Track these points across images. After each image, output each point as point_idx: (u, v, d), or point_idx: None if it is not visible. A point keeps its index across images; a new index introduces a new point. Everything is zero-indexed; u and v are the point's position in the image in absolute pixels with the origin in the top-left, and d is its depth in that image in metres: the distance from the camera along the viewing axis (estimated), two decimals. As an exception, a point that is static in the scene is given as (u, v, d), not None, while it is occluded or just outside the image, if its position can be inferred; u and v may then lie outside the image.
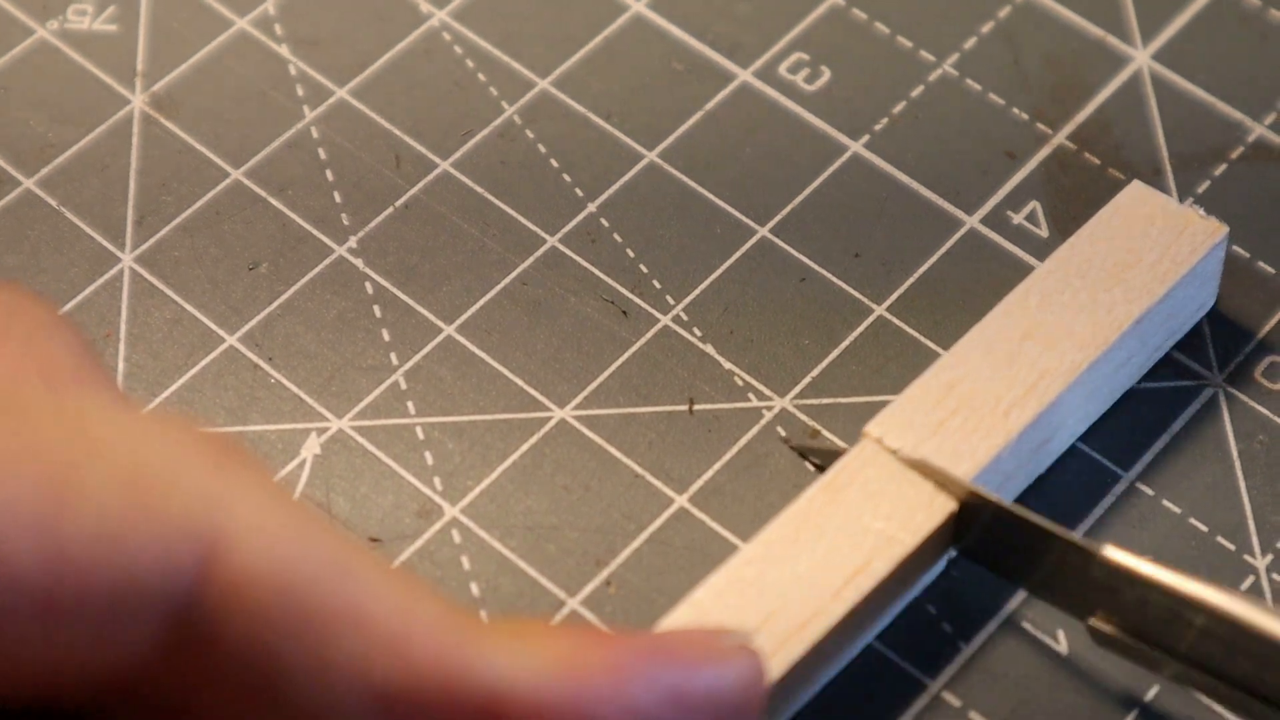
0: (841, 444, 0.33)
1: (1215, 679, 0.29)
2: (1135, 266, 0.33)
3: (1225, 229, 0.33)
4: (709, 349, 0.35)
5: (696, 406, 0.34)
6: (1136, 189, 0.34)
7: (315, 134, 0.38)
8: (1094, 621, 0.30)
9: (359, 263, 0.36)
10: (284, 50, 0.39)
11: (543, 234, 0.36)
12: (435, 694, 0.22)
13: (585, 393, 0.34)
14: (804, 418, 0.34)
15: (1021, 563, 0.30)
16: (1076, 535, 0.30)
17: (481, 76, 0.38)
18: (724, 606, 0.29)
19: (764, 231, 0.36)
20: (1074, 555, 0.30)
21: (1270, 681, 0.28)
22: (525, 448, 0.34)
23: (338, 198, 0.37)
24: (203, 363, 0.35)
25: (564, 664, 0.23)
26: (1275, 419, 0.34)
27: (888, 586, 0.30)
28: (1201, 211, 0.34)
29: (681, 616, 0.29)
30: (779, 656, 0.29)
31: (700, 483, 0.33)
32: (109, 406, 0.22)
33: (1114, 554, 0.29)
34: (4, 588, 0.20)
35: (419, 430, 0.34)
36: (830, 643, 0.30)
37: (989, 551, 0.31)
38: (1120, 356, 0.33)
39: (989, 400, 0.32)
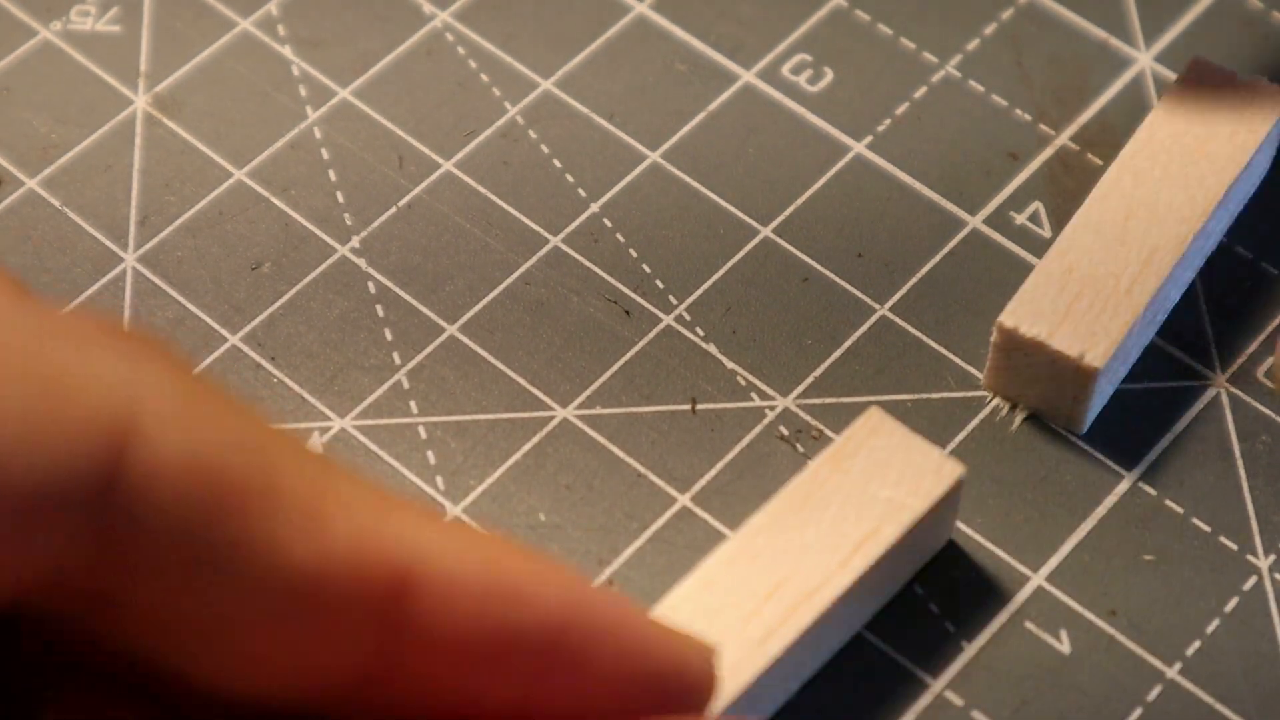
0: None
1: None
2: (1214, 139, 0.35)
3: None
4: (711, 349, 0.35)
5: (699, 406, 0.34)
6: (1199, 66, 0.36)
7: (318, 134, 0.38)
8: None
9: (361, 262, 0.36)
10: (287, 51, 0.39)
11: (545, 234, 0.36)
12: (349, 569, 0.22)
13: (588, 392, 0.34)
14: (806, 417, 0.34)
15: None
16: None
17: (484, 77, 0.38)
18: (732, 576, 0.29)
19: (766, 232, 0.36)
20: None
21: None
22: (528, 447, 0.34)
23: (340, 198, 0.37)
24: (205, 362, 0.35)
25: (482, 552, 0.23)
26: (1278, 419, 0.34)
27: (896, 554, 0.30)
28: (1265, 80, 0.35)
29: (689, 588, 0.29)
30: (788, 625, 0.29)
31: (703, 482, 0.33)
32: (9, 305, 0.22)
33: None
34: None
35: (421, 430, 0.34)
36: (839, 611, 0.30)
37: None
38: (1212, 226, 0.35)
39: (1109, 280, 0.33)
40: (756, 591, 0.29)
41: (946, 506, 0.31)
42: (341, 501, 0.22)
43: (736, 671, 0.29)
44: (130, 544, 0.21)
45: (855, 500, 0.30)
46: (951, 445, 0.34)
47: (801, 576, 0.30)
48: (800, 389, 0.34)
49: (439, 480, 0.33)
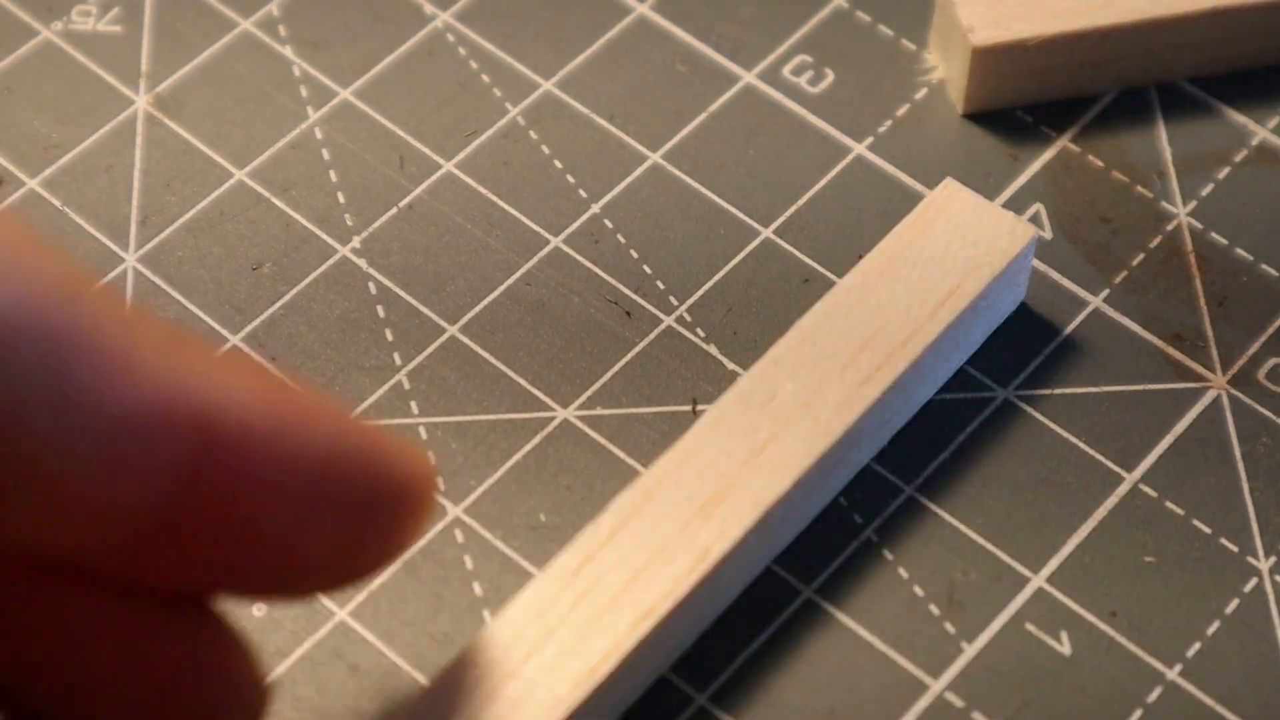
0: None
1: None
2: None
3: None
4: (712, 349, 0.35)
5: (700, 407, 0.34)
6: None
7: (319, 135, 0.38)
8: None
9: (362, 263, 0.36)
10: (288, 51, 0.39)
11: (546, 235, 0.36)
12: (159, 415, 0.23)
13: (588, 393, 0.34)
14: (807, 419, 0.34)
15: None
16: None
17: (485, 78, 0.38)
18: (830, 330, 0.32)
19: (767, 233, 0.36)
20: None
21: None
22: (528, 448, 0.34)
23: (341, 198, 0.37)
24: (206, 362, 0.35)
25: (269, 393, 0.24)
26: (1279, 421, 0.34)
27: (976, 310, 0.33)
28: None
29: (791, 340, 0.32)
30: (883, 372, 0.32)
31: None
32: None
33: None
34: None
35: (422, 430, 0.34)
36: (927, 361, 0.33)
37: None
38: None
39: None
40: (853, 342, 0.32)
41: (1018, 266, 0.34)
42: (148, 343, 0.23)
43: (841, 410, 0.32)
44: None
45: (938, 260, 0.33)
46: (955, 443, 0.34)
47: (894, 327, 0.32)
48: (801, 390, 0.34)
49: (439, 480, 0.33)
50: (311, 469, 0.25)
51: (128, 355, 0.23)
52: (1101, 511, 0.33)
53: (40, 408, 0.22)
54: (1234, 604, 0.32)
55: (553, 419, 0.34)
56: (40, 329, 0.22)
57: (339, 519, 0.25)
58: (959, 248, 0.33)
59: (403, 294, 0.36)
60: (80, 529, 0.23)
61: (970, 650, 0.32)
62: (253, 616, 0.32)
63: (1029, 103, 0.38)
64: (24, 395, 0.22)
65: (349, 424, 0.25)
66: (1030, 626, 0.32)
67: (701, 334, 0.35)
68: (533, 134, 0.38)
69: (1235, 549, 0.33)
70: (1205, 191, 0.37)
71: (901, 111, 0.38)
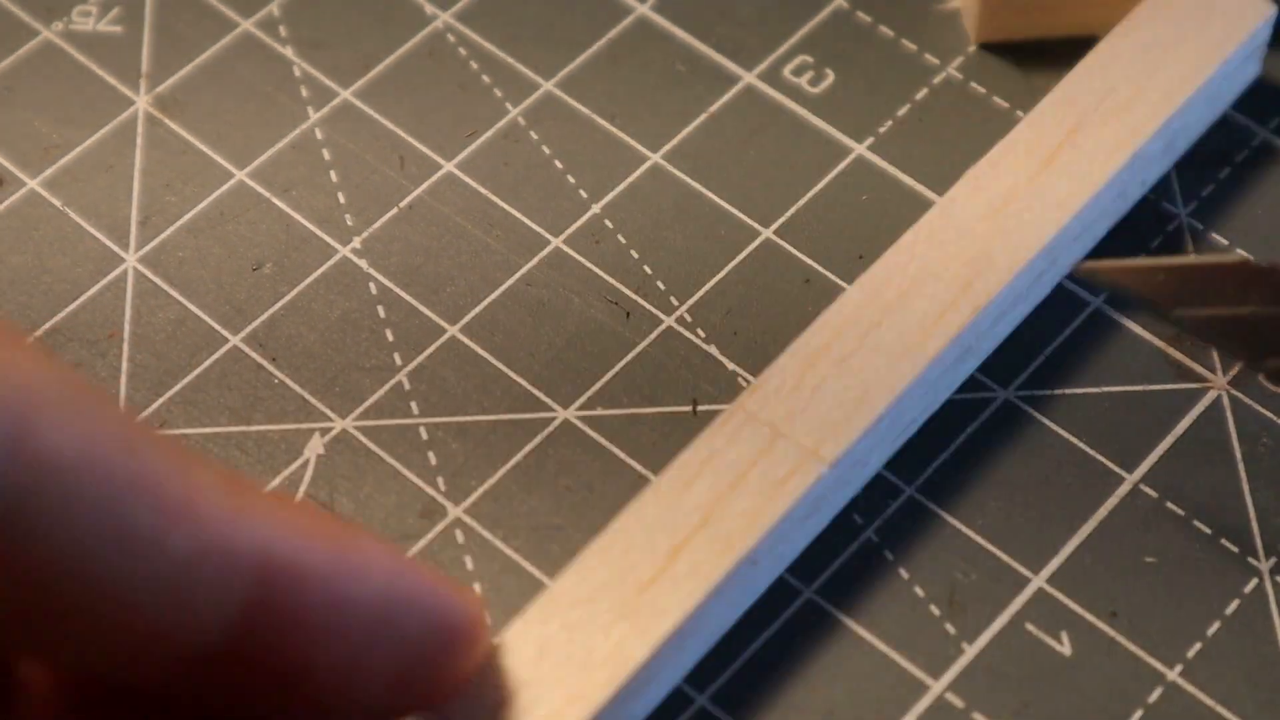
0: None
1: None
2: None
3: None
4: (712, 350, 0.35)
5: (700, 408, 0.34)
6: None
7: (319, 135, 0.38)
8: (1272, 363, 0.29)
9: (363, 263, 0.36)
10: (288, 52, 0.39)
11: (546, 235, 0.36)
12: (221, 557, 0.24)
13: (589, 393, 0.34)
14: (807, 419, 0.34)
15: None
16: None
17: (485, 78, 0.38)
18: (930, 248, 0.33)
19: (768, 233, 0.36)
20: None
21: None
22: (529, 448, 0.34)
23: (341, 198, 0.37)
24: (206, 363, 0.35)
25: (326, 538, 0.25)
26: (1279, 421, 0.34)
27: (1206, 93, 0.35)
28: None
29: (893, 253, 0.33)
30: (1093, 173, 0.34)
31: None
32: None
33: None
34: None
35: (422, 431, 0.34)
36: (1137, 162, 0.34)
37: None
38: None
39: None
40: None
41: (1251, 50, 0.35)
42: (207, 488, 0.24)
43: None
44: (15, 536, 0.22)
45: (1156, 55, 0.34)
46: (959, 440, 0.34)
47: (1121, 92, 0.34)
48: (801, 390, 0.34)
49: (440, 481, 0.33)
50: (366, 609, 0.25)
51: (188, 499, 0.23)
52: (1102, 512, 0.33)
53: (102, 550, 0.23)
54: (1234, 604, 0.32)
55: (553, 419, 0.34)
56: (102, 474, 0.22)
57: (393, 657, 0.26)
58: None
59: (403, 294, 0.36)
60: (143, 661, 0.24)
61: (971, 651, 0.32)
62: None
63: (1039, 35, 0.38)
64: (86, 538, 0.22)
65: (403, 564, 0.26)
66: (1031, 627, 0.32)
67: (702, 334, 0.35)
68: (533, 134, 0.38)
69: (1236, 549, 0.33)
70: (1205, 192, 0.37)
71: (902, 112, 0.38)
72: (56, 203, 0.37)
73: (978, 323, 0.33)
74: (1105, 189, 0.34)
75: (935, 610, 0.32)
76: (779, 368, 0.32)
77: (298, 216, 0.37)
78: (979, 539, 0.33)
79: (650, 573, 0.30)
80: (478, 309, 0.35)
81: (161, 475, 0.23)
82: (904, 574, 0.32)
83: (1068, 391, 0.34)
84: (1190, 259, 0.30)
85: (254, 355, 0.35)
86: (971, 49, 0.39)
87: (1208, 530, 0.33)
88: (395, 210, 0.37)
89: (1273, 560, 0.33)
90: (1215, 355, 0.35)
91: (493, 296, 0.36)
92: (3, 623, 0.24)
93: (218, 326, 0.35)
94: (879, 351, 0.32)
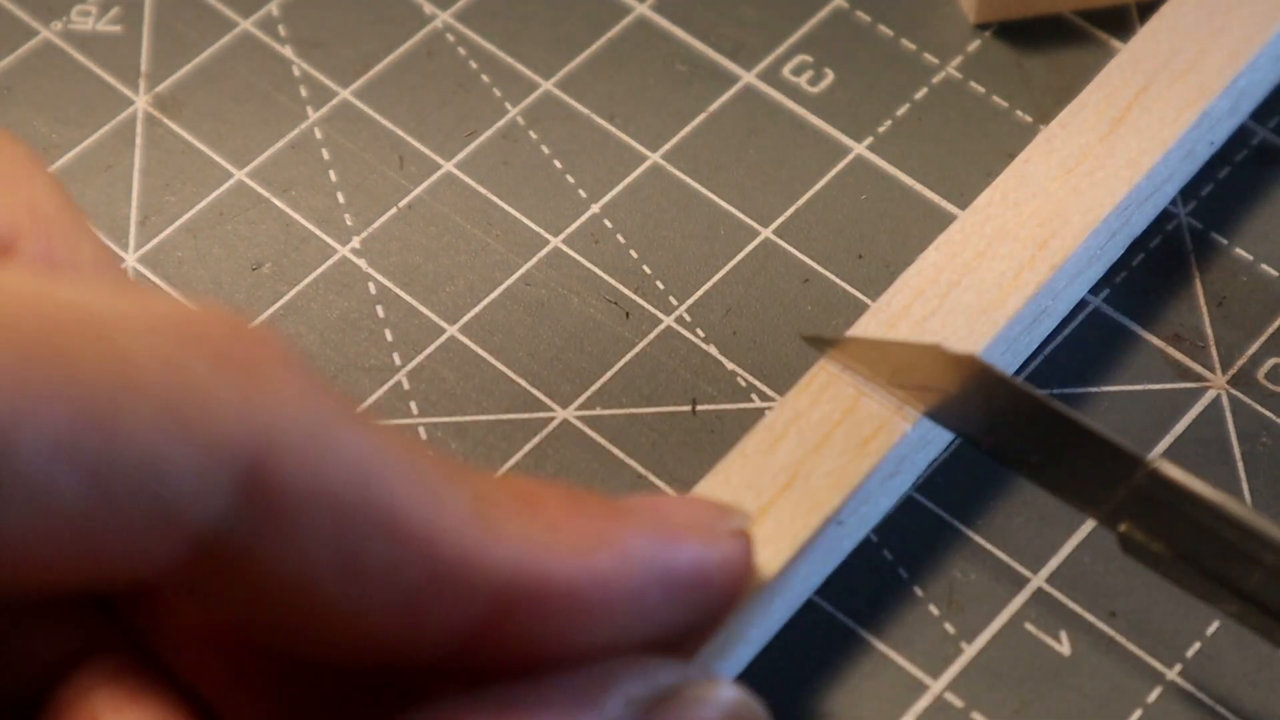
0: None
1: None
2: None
3: None
4: (712, 350, 0.35)
5: (699, 407, 0.34)
6: None
7: (319, 135, 0.38)
8: (1125, 529, 0.29)
9: (362, 263, 0.36)
10: (288, 51, 0.39)
11: (546, 235, 0.36)
12: (458, 589, 0.23)
13: (588, 393, 0.34)
14: (807, 419, 0.34)
15: (1041, 456, 0.30)
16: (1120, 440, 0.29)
17: (485, 78, 0.38)
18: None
19: (767, 233, 0.36)
20: (1117, 461, 0.29)
21: None
22: (528, 448, 0.34)
23: (341, 198, 0.37)
24: (206, 363, 0.35)
25: (572, 549, 0.24)
26: (1279, 421, 0.34)
27: None
28: None
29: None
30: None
31: (703, 483, 0.33)
32: (131, 305, 0.22)
33: (1170, 469, 0.28)
34: (47, 514, 0.21)
35: (422, 431, 0.34)
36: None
37: (1000, 435, 0.31)
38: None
39: None
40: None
41: None
42: (451, 518, 0.23)
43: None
44: (246, 562, 0.22)
45: None
46: (955, 443, 0.34)
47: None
48: (800, 390, 0.34)
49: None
50: (616, 609, 0.25)
51: (427, 532, 0.23)
52: (1101, 512, 0.33)
53: (335, 580, 0.22)
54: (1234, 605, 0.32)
55: (552, 419, 0.34)
56: (336, 508, 0.22)
57: (648, 633, 0.25)
58: None
59: (402, 294, 0.36)
60: (381, 653, 0.24)
61: (970, 650, 0.32)
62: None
63: (1039, 13, 0.38)
64: (318, 569, 0.22)
65: (663, 546, 0.25)
66: (1030, 626, 0.32)
67: (701, 334, 0.35)
68: (532, 134, 0.38)
69: (1235, 549, 0.33)
70: (1205, 191, 0.37)
71: (901, 111, 0.38)
72: (56, 202, 0.37)
73: (1054, 282, 0.33)
74: (1174, 148, 0.34)
75: (934, 609, 0.32)
76: (861, 328, 0.32)
77: (297, 216, 0.37)
78: (978, 538, 0.33)
79: None
80: (477, 309, 0.35)
81: (400, 506, 0.23)
82: (903, 573, 0.32)
83: (1067, 391, 0.34)
84: (900, 341, 0.31)
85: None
86: (971, 48, 0.39)
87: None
88: (394, 210, 0.37)
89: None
90: (1215, 355, 0.35)
91: (492, 296, 0.36)
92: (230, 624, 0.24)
93: (217, 326, 0.35)
94: (958, 311, 0.32)
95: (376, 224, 0.37)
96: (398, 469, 0.23)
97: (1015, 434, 0.30)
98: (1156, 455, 0.28)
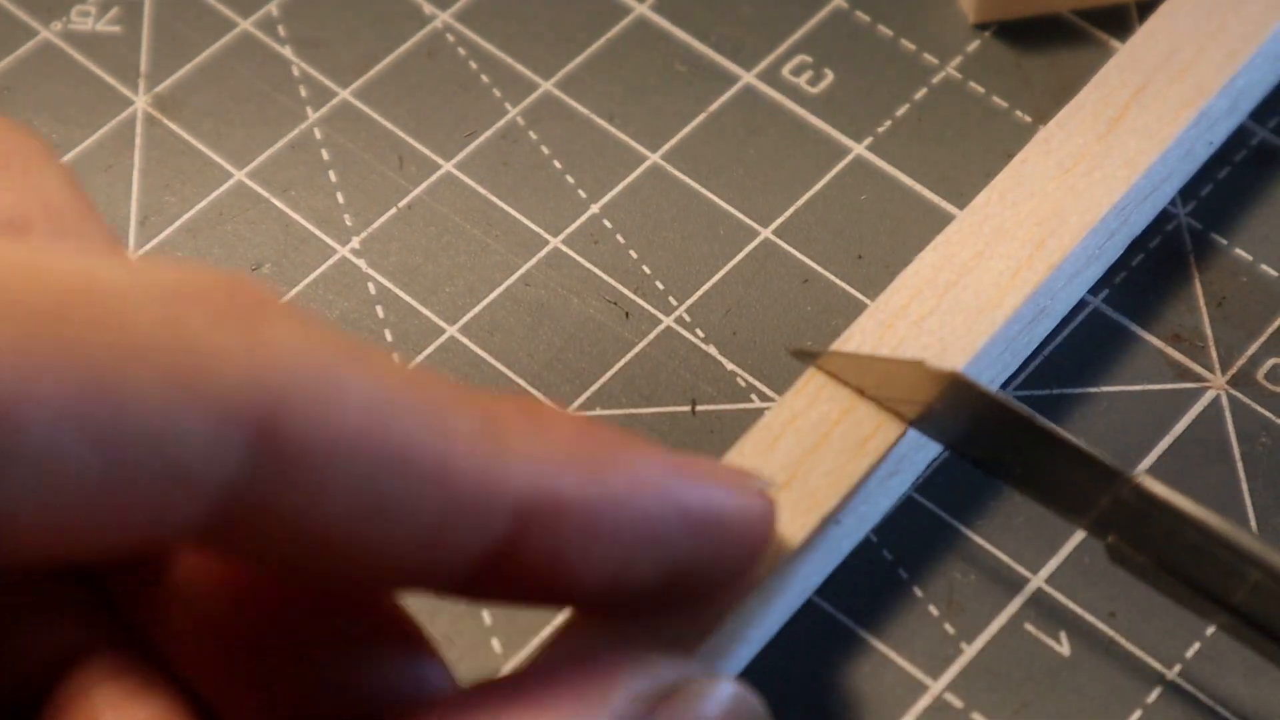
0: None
1: (1266, 635, 0.28)
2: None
3: None
4: (712, 350, 0.35)
5: (699, 407, 0.34)
6: None
7: (318, 135, 0.38)
8: (1112, 541, 0.29)
9: (361, 263, 0.36)
10: (287, 51, 0.39)
11: (545, 235, 0.36)
12: (474, 514, 0.23)
13: (588, 394, 0.34)
14: (806, 419, 0.34)
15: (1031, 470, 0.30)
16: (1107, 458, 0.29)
17: (484, 78, 0.38)
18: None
19: (767, 233, 0.36)
20: (1104, 478, 0.29)
21: None
22: (528, 448, 0.34)
23: (340, 198, 0.37)
24: (205, 363, 0.35)
25: (584, 468, 0.24)
26: (1278, 421, 0.34)
27: None
28: None
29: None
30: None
31: None
32: (127, 272, 0.22)
33: (1151, 484, 0.28)
34: (59, 484, 0.21)
35: (421, 431, 0.34)
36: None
37: (987, 448, 0.31)
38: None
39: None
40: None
41: None
42: (462, 444, 0.23)
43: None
44: (264, 514, 0.22)
45: None
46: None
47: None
48: (800, 390, 0.34)
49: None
50: (630, 530, 0.25)
51: (441, 462, 0.23)
52: (1101, 512, 0.33)
53: (355, 521, 0.23)
54: (1233, 604, 0.32)
55: (552, 419, 0.34)
56: (352, 454, 0.22)
57: (665, 568, 0.25)
58: None
59: (402, 294, 0.36)
60: (391, 583, 0.25)
61: (970, 651, 0.32)
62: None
63: (1038, 12, 0.38)
64: (338, 513, 0.22)
65: (677, 475, 0.25)
66: (1029, 627, 0.32)
67: (701, 334, 0.35)
68: (532, 134, 0.38)
69: (1235, 549, 0.33)
70: (1205, 192, 0.37)
71: (901, 112, 0.38)
72: (55, 203, 0.37)
73: (1052, 281, 0.33)
74: (1172, 147, 0.34)
75: (934, 610, 0.32)
76: (858, 329, 0.32)
77: (296, 216, 0.37)
78: (978, 539, 0.33)
79: None
80: (476, 309, 0.35)
81: (414, 440, 0.23)
82: (903, 574, 0.32)
83: (1066, 391, 0.34)
84: (886, 357, 0.31)
85: (253, 355, 0.35)
86: (971, 48, 0.39)
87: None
88: (394, 210, 0.37)
89: (1272, 560, 0.33)
90: (1214, 355, 0.35)
91: (491, 297, 0.36)
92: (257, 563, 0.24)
93: (217, 327, 0.35)
94: (956, 311, 0.32)
95: (376, 224, 0.37)
96: (407, 403, 0.23)
97: (999, 447, 0.30)
98: (1141, 470, 0.28)
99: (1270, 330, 0.35)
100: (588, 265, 0.36)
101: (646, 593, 0.26)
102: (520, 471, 0.24)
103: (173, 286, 0.22)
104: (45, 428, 0.20)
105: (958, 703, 0.31)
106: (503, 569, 0.24)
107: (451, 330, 0.35)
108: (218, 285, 0.22)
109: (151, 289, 0.22)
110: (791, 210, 0.37)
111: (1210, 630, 0.32)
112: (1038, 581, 0.32)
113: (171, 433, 0.21)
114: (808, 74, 0.39)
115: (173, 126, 0.38)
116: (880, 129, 0.38)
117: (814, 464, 0.30)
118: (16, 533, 0.21)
